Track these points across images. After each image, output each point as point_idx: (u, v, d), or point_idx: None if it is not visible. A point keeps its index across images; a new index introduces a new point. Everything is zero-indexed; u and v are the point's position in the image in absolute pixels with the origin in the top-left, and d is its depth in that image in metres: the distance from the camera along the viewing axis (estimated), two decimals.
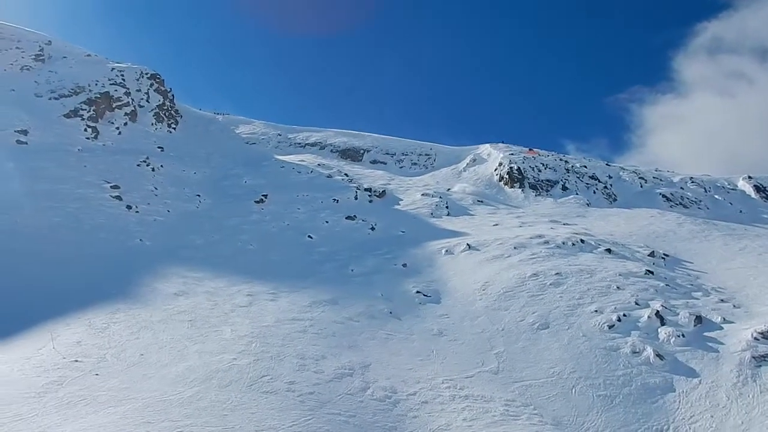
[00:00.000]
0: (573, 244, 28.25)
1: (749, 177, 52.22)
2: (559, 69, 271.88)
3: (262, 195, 36.95)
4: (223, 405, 12.22)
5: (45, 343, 14.72)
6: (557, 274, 23.73)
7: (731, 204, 47.41)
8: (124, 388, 12.43)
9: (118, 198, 30.73)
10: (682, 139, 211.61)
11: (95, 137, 41.03)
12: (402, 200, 41.02)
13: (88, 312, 17.45)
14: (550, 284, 22.81)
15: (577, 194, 46.81)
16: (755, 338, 17.70)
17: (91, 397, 11.78)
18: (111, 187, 31.83)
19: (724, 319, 19.83)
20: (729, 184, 51.75)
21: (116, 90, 47.80)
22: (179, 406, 11.82)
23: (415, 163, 55.05)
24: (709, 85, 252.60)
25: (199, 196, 35.24)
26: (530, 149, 56.42)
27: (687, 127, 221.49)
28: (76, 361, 13.77)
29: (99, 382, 12.64)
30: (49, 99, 44.01)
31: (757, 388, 15.68)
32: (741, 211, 45.51)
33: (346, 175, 45.10)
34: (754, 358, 16.83)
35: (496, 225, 35.28)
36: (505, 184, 48.36)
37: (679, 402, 15.61)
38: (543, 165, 51.10)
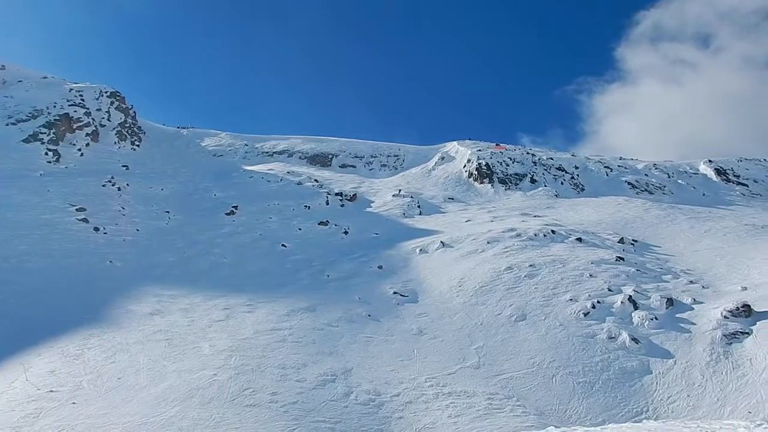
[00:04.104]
0: (545, 236, 28.70)
1: (710, 161, 53.79)
2: (507, 65, 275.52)
3: (233, 207, 36.59)
4: (205, 423, 12.10)
5: (17, 376, 14.35)
6: (531, 265, 24.07)
7: (694, 188, 48.70)
8: (102, 415, 12.21)
9: (85, 221, 30.04)
10: (634, 126, 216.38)
11: (57, 160, 40.13)
12: (374, 202, 41.10)
13: (60, 340, 17.04)
14: (525, 276, 23.12)
15: (545, 186, 47.53)
16: (725, 317, 18.23)
17: (70, 427, 11.56)
18: (76, 210, 31.12)
19: (694, 299, 20.38)
20: (691, 169, 53.19)
21: (75, 111, 46.84)
22: (161, 428, 11.67)
23: (384, 165, 55.14)
24: (654, 72, 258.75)
25: (168, 212, 34.67)
26: (497, 144, 57.14)
27: (638, 115, 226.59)
28: (51, 391, 13.45)
29: (77, 411, 12.38)
30: (6, 125, 42.96)
31: (729, 365, 16.16)
32: (704, 194, 46.80)
33: (316, 181, 45.00)
34: (724, 336, 17.34)
35: (469, 221, 35.59)
36: (475, 180, 48.83)
37: (657, 383, 16.00)
38: (511, 159, 51.74)
